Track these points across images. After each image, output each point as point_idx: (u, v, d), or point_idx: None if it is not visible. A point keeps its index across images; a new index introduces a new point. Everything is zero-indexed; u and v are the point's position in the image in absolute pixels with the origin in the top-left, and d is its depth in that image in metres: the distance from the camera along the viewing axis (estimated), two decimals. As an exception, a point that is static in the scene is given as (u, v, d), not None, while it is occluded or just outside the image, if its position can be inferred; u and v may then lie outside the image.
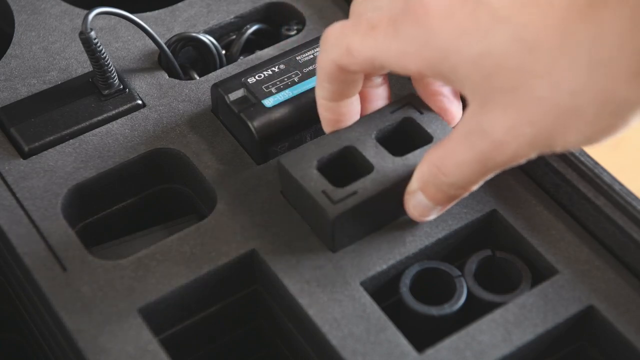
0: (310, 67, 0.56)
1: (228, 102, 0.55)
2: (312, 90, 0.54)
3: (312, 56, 0.57)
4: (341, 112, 0.51)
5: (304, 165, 0.50)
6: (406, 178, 0.49)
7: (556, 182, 0.53)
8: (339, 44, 0.46)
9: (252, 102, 0.54)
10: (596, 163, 0.52)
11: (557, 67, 0.39)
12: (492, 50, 0.41)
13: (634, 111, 0.40)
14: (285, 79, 0.55)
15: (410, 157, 0.50)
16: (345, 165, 0.51)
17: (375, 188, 0.49)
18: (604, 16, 0.38)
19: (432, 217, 0.49)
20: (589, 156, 0.52)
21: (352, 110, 0.51)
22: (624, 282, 0.50)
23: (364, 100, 0.52)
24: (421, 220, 0.50)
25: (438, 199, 0.47)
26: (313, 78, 0.55)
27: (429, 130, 0.51)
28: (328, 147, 0.51)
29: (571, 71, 0.39)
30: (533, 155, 0.43)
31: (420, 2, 0.43)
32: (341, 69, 0.47)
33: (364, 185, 0.49)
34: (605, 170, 0.52)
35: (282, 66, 0.56)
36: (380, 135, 0.51)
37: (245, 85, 0.55)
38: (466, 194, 0.47)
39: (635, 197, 0.50)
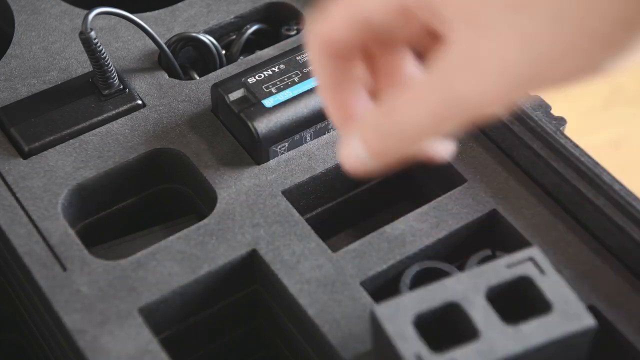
0: (311, 67, 0.56)
1: (228, 102, 0.55)
2: (313, 90, 0.54)
3: None
4: (348, 105, 0.43)
5: (400, 319, 0.44)
6: (516, 356, 0.43)
7: (556, 182, 0.53)
8: (317, 21, 0.40)
9: (252, 102, 0.54)
10: (596, 163, 0.52)
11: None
12: None
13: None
14: (286, 79, 0.55)
15: (525, 328, 0.43)
16: (447, 322, 0.45)
17: None
18: None
19: (360, 170, 0.40)
20: (589, 156, 0.52)
21: (360, 103, 0.43)
22: (624, 282, 0.50)
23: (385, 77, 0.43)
24: (349, 170, 0.41)
25: (374, 148, 0.39)
26: (313, 78, 0.55)
27: (549, 297, 0.44)
28: (430, 300, 0.45)
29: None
30: (508, 99, 0.36)
31: None
32: (329, 49, 0.40)
33: (465, 356, 0.43)
34: (605, 170, 0.52)
35: (282, 66, 0.56)
36: (491, 292, 0.45)
37: (245, 85, 0.55)
38: (405, 152, 0.39)
39: (635, 197, 0.50)
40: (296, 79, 0.55)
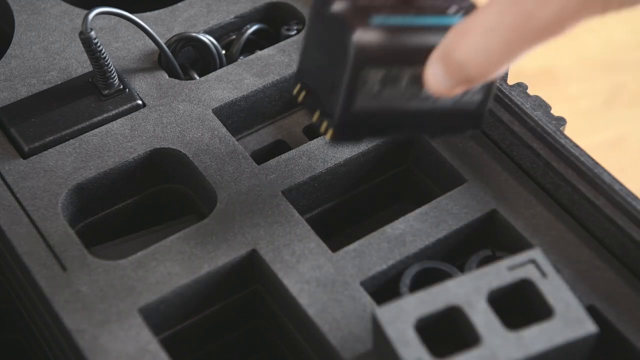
0: None
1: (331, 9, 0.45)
2: (432, 28, 0.45)
3: None
4: None
5: (402, 323, 0.44)
6: None
7: (556, 182, 0.53)
8: None
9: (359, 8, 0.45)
10: (596, 163, 0.52)
11: None
12: None
13: None
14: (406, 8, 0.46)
15: (526, 335, 0.43)
16: (448, 325, 0.45)
17: None
18: None
19: (447, 94, 0.42)
20: (589, 156, 0.52)
21: None
22: (624, 282, 0.50)
23: None
24: (436, 93, 0.43)
25: (453, 76, 0.41)
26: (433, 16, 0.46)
27: (550, 302, 0.44)
28: (431, 303, 0.44)
29: None
30: (581, 17, 0.37)
31: None
32: None
33: None
34: (605, 170, 0.52)
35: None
36: (493, 296, 0.45)
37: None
38: (482, 80, 0.41)
39: (635, 197, 0.51)
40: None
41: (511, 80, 0.56)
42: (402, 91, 0.46)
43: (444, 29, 0.44)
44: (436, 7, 0.46)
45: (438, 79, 0.41)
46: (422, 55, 0.44)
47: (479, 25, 0.39)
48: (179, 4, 0.64)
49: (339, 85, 0.45)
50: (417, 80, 0.45)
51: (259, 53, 0.61)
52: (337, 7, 0.45)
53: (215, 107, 0.58)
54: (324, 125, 0.47)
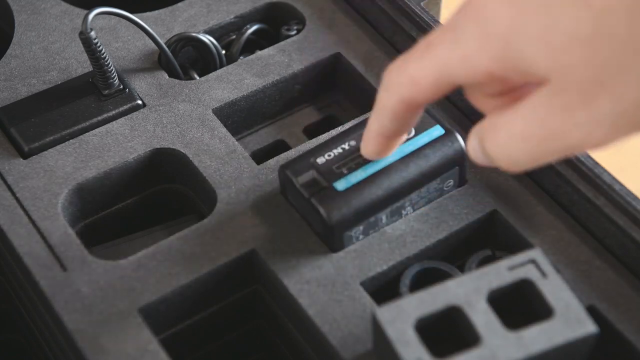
0: (378, 112, 0.49)
1: (297, 185, 0.50)
2: (386, 168, 0.50)
3: None
4: (391, 148, 0.48)
5: (402, 323, 0.44)
6: None
7: (556, 182, 0.53)
8: (400, 77, 0.42)
9: (323, 186, 0.50)
10: (596, 163, 0.52)
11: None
12: (559, 22, 0.36)
13: None
14: (357, 157, 0.50)
15: (526, 335, 0.43)
16: (448, 325, 0.45)
17: None
18: None
19: (480, 163, 0.43)
20: (589, 156, 0.52)
21: (399, 144, 0.49)
22: (624, 282, 0.50)
23: None
24: (476, 162, 0.44)
25: (487, 159, 0.42)
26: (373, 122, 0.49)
27: (551, 301, 0.44)
28: (431, 303, 0.44)
29: None
30: (611, 142, 0.39)
31: (472, 1, 0.39)
32: (408, 105, 0.43)
33: None
34: (605, 170, 0.52)
35: (352, 142, 0.51)
36: (493, 296, 0.45)
37: (314, 166, 0.50)
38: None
39: (635, 197, 0.50)
40: None
41: (511, 80, 0.56)
42: (385, 223, 0.51)
43: (409, 157, 0.50)
44: None
45: (477, 153, 0.42)
46: (393, 195, 0.50)
47: (510, 129, 0.39)
48: (179, 4, 0.64)
49: (327, 244, 0.51)
50: (397, 211, 0.51)
51: (259, 53, 0.61)
52: (302, 180, 0.50)
53: (215, 107, 0.58)
54: None
